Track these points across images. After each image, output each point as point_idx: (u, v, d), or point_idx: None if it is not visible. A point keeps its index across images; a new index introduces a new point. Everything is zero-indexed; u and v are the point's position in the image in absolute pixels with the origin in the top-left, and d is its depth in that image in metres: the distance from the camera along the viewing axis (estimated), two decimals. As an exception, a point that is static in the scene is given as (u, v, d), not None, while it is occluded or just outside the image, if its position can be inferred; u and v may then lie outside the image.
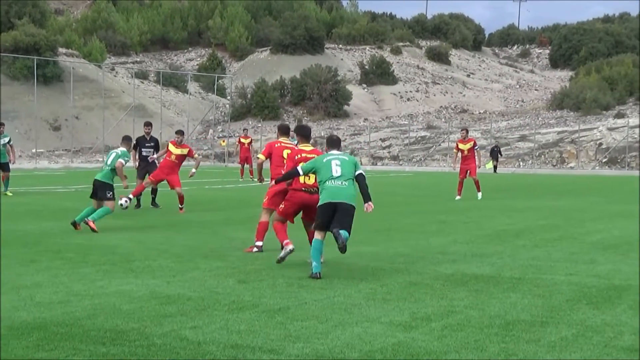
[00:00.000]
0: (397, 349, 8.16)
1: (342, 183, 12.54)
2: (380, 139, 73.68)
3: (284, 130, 15.31)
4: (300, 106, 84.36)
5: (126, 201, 19.88)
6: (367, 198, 12.64)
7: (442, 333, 8.81)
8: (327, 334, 8.68)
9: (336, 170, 12.63)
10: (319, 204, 12.66)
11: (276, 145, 15.12)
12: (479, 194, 29.91)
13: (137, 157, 25.49)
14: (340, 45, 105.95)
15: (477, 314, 9.75)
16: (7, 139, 28.45)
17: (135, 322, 9.13)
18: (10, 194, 27.95)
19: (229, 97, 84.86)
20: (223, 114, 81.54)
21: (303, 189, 13.61)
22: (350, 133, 76.31)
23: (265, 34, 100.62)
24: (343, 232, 12.07)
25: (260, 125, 76.73)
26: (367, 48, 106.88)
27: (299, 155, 13.82)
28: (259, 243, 15.05)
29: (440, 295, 10.89)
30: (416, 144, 72.38)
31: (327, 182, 12.59)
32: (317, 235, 12.54)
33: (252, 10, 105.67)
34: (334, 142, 13.32)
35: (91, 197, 19.05)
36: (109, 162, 19.23)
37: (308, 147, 14.12)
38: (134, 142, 24.45)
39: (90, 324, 9.01)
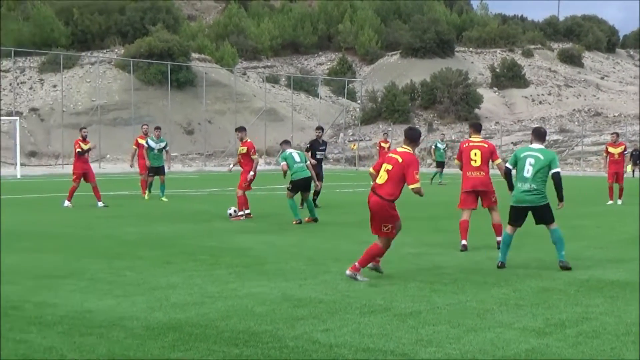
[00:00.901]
0: (531, 356, 8.05)
1: (530, 187, 13.26)
2: (512, 143, 72.73)
3: (477, 128, 17.25)
4: (431, 110, 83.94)
5: None
6: (560, 198, 13.63)
7: (577, 340, 8.65)
8: (459, 339, 8.62)
9: (527, 170, 13.27)
10: (511, 203, 13.61)
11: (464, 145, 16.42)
12: (619, 201, 29.20)
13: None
14: (471, 49, 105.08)
15: (613, 321, 9.54)
16: (163, 144, 28.34)
17: (268, 324, 9.23)
18: (166, 200, 27.87)
19: (359, 101, 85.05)
20: (353, 117, 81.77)
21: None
22: (482, 137, 75.55)
23: (394, 38, 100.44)
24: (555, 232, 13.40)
25: (390, 129, 76.60)
26: (498, 51, 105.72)
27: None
28: (464, 242, 15.73)
29: (574, 302, 10.69)
30: (549, 148, 70.98)
31: (518, 183, 13.43)
32: (508, 230, 13.58)
33: (381, 13, 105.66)
34: (540, 135, 13.55)
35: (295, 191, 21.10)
36: (302, 160, 21.37)
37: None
38: (308, 145, 27.28)
39: (224, 326, 9.14)
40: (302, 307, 10.19)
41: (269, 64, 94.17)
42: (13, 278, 12.18)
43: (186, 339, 8.55)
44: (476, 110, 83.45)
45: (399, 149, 12.57)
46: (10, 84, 65.44)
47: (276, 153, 69.44)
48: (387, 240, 12.36)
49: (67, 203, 25.30)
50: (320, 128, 28.92)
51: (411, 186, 12.19)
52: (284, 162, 21.30)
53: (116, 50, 74.86)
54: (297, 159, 21.34)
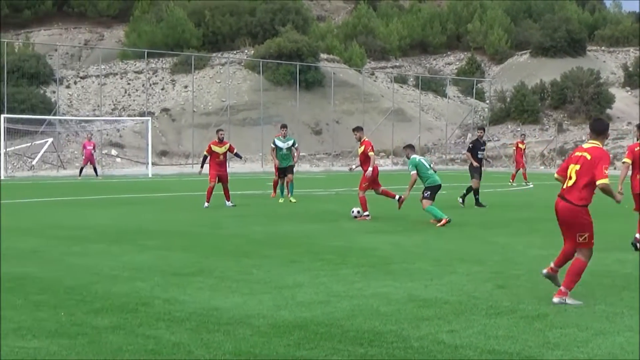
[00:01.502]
0: (663, 362, 7.84)
1: None
2: (646, 143, 71.04)
3: None
4: (561, 110, 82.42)
5: None
6: None
7: None
8: (587, 343, 8.44)
9: None
10: None
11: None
12: None
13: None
14: (603, 47, 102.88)
15: None
16: (291, 142, 27.92)
17: (393, 324, 9.21)
18: (294, 200, 27.40)
19: (487, 101, 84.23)
20: (482, 117, 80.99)
21: None
22: (613, 137, 73.86)
23: (524, 37, 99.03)
24: None
25: (519, 129, 75.52)
26: (631, 49, 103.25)
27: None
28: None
29: None
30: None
31: None
32: None
33: (511, 13, 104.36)
34: None
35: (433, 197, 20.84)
36: (430, 165, 21.40)
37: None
38: (470, 145, 27.38)
39: (349, 325, 9.15)
40: (428, 307, 10.13)
41: (397, 64, 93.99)
42: (143, 275, 12.45)
43: (311, 337, 8.60)
44: (607, 110, 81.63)
45: (586, 145, 10.99)
46: (143, 85, 66.92)
47: (403, 153, 69.35)
48: (588, 251, 10.81)
49: (206, 204, 24.97)
50: (481, 128, 29.44)
51: (599, 182, 10.41)
52: (414, 171, 20.75)
53: (246, 51, 75.82)
54: (427, 165, 21.21)
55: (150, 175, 49.18)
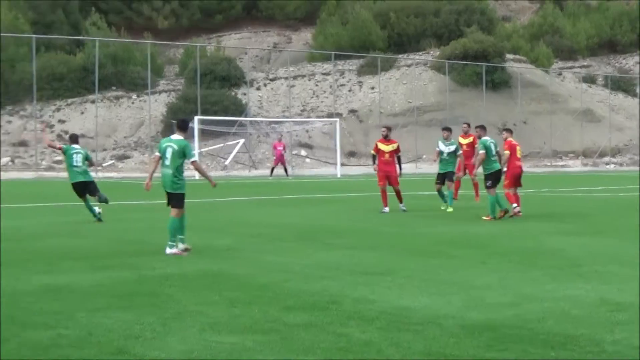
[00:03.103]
0: None
1: None
2: None
3: None
4: None
5: None
6: None
7: None
8: None
9: None
10: None
11: None
12: None
13: None
14: None
15: None
16: (453, 147, 24.86)
17: (586, 327, 8.98)
18: (450, 209, 24.62)
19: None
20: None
21: None
22: None
23: None
24: None
25: None
26: None
27: None
28: None
29: None
30: None
31: None
32: None
33: None
34: None
35: None
36: None
37: None
38: None
39: (540, 328, 8.99)
40: (622, 311, 9.82)
41: (585, 63, 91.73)
42: (333, 274, 12.58)
43: (501, 339, 8.48)
44: None
45: None
46: (331, 87, 67.63)
47: (593, 154, 67.63)
48: None
49: (385, 209, 23.73)
50: None
51: None
52: (483, 151, 21.47)
53: (431, 52, 75.60)
54: (493, 151, 21.61)
55: (339, 176, 49.69)
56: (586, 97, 74.47)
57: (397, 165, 24.19)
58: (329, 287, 11.44)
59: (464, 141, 26.33)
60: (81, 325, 9.02)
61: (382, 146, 24.16)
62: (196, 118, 49.31)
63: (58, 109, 61.97)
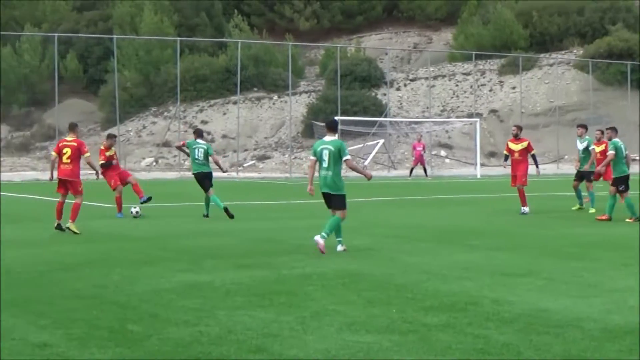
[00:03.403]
0: None
1: None
2: None
3: None
4: None
5: None
6: None
7: None
8: None
9: None
10: None
11: None
12: None
13: None
14: None
15: None
16: (585, 144, 24.53)
17: None
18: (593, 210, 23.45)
19: None
20: None
21: None
22: None
23: None
24: None
25: None
26: None
27: None
28: None
29: None
30: None
31: None
32: None
33: None
34: None
35: None
36: None
37: None
38: None
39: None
40: None
41: None
42: (472, 274, 12.50)
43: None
44: None
45: None
46: (471, 87, 67.08)
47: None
48: None
49: (524, 209, 23.19)
50: None
51: None
52: (613, 152, 21.03)
53: (574, 51, 74.15)
54: (624, 153, 21.18)
55: (478, 176, 49.26)
56: None
57: (535, 164, 23.98)
58: (468, 288, 11.37)
59: (597, 149, 25.01)
60: (221, 323, 9.19)
61: (512, 145, 24.07)
62: (336, 118, 49.61)
63: (201, 110, 63.20)
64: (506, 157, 24.49)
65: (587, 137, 24.81)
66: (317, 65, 75.40)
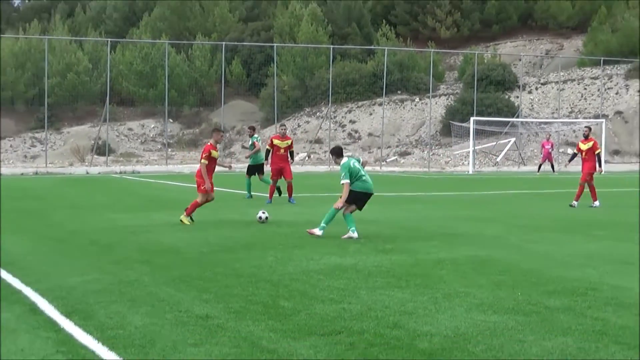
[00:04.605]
0: None
1: None
2: None
3: None
4: None
5: None
6: None
7: None
8: None
9: None
10: None
11: None
12: None
13: None
14: None
15: None
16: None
17: None
18: None
19: None
20: None
21: None
22: None
23: None
24: None
25: None
26: None
27: None
28: None
29: None
30: None
31: None
32: None
33: None
34: None
35: None
36: None
37: None
38: None
39: None
40: None
41: None
42: (593, 262, 12.27)
43: None
44: None
45: None
46: (598, 90, 65.42)
47: None
48: None
49: (595, 203, 22.81)
50: None
51: None
52: None
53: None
54: None
55: (603, 172, 47.94)
56: None
57: (598, 162, 23.23)
58: (589, 274, 11.15)
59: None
60: (362, 301, 9.28)
61: (581, 145, 23.53)
62: (472, 119, 49.34)
63: (349, 111, 63.51)
64: (574, 156, 24.01)
65: None
66: (456, 70, 74.76)
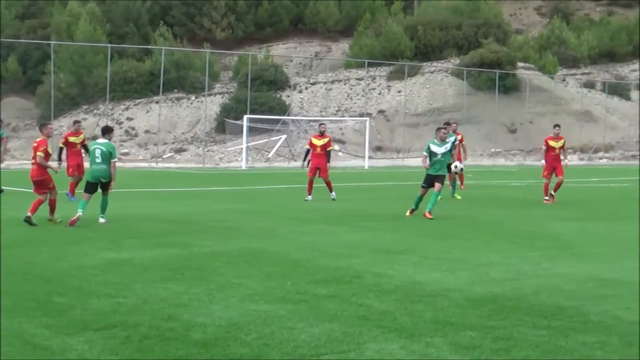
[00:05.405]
0: None
1: None
2: None
3: None
4: None
5: None
6: None
7: None
8: None
9: None
10: None
11: None
12: None
13: None
14: None
15: None
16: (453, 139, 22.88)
17: (575, 300, 8.94)
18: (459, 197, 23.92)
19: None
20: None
21: None
22: None
23: None
24: None
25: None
26: None
27: None
28: None
29: None
30: None
31: None
32: None
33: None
34: None
35: None
36: None
37: None
38: None
39: (535, 300, 8.96)
40: (607, 287, 9.78)
41: (587, 71, 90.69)
42: (358, 252, 12.58)
43: (501, 309, 8.47)
44: None
45: None
46: (363, 90, 67.49)
47: (589, 150, 67.04)
48: None
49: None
50: None
51: None
52: None
53: (452, 60, 75.04)
54: None
55: (366, 167, 49.58)
56: (586, 100, 73.73)
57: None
58: (354, 263, 11.44)
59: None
60: (137, 295, 9.09)
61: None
62: (245, 117, 49.58)
63: (127, 108, 62.27)
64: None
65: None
66: (231, 70, 74.97)
